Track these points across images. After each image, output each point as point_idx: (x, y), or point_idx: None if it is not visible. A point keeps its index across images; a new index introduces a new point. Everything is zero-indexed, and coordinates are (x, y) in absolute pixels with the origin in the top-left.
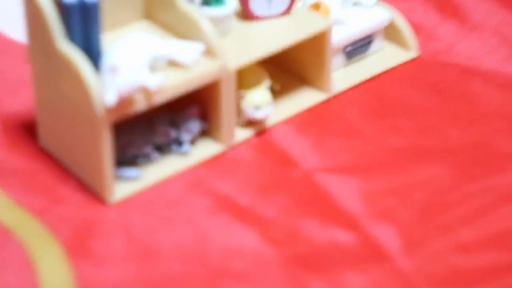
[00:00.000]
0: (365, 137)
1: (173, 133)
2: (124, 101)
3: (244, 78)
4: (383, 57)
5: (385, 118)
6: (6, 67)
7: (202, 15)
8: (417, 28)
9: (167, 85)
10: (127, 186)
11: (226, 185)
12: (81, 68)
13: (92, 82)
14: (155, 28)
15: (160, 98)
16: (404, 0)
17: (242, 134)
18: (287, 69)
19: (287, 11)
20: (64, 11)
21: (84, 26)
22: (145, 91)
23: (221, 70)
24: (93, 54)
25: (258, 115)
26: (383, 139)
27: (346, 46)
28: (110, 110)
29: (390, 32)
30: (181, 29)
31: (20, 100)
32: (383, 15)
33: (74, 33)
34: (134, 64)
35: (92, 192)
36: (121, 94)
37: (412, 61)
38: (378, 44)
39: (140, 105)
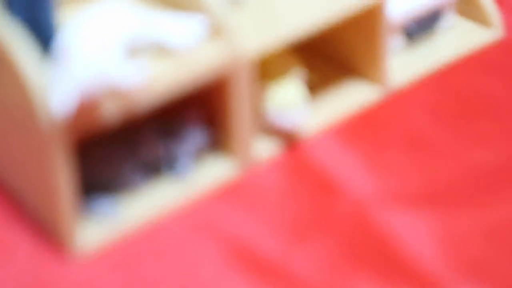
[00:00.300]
0: (438, 150)
1: (163, 148)
2: (87, 108)
3: (267, 67)
4: (457, 38)
5: (464, 123)
6: None
7: None
8: None
9: (153, 82)
10: (98, 228)
11: (243, 225)
12: (17, 55)
13: (32, 77)
14: None
15: (143, 103)
16: None
17: (265, 148)
18: (327, 54)
19: None
20: None
21: None
22: (120, 91)
23: (233, 58)
24: (42, 34)
25: (287, 120)
26: (465, 153)
27: (407, 23)
28: (64, 122)
29: (465, 4)
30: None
31: None
32: None
33: (14, 3)
34: (103, 49)
35: (49, 238)
36: (80, 96)
37: (496, 43)
38: (449, 20)
39: (112, 114)
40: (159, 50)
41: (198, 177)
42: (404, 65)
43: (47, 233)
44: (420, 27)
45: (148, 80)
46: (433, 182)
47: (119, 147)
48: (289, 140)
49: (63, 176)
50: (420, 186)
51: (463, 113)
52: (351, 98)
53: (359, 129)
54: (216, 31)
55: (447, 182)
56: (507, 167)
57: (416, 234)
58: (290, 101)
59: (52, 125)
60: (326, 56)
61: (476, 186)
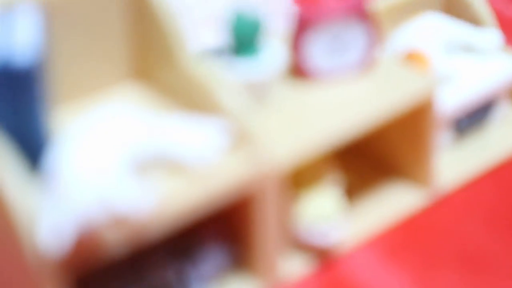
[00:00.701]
0: (495, 270)
1: (174, 270)
2: (84, 241)
3: (298, 174)
4: None
5: None
6: None
7: (222, 79)
8: None
9: (165, 205)
10: None
11: None
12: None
13: (18, 205)
14: (151, 93)
15: (152, 230)
16: None
17: (295, 267)
18: (367, 152)
19: (365, 65)
20: None
21: (14, 103)
22: (125, 219)
23: (259, 172)
24: (30, 146)
25: (321, 236)
26: None
27: (458, 117)
28: (57, 259)
29: None
30: (190, 99)
31: None
32: (509, 66)
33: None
34: (103, 167)
35: None
36: (77, 228)
37: None
38: (503, 110)
39: (115, 245)
40: (172, 165)
41: None
42: (453, 164)
43: None
44: (472, 120)
45: (158, 203)
46: None
47: (121, 269)
48: (323, 257)
49: None
50: None
51: None
52: (394, 203)
53: (403, 242)
54: (239, 138)
55: None
56: None
57: None
58: (325, 213)
59: (42, 261)
60: (366, 155)
61: None
